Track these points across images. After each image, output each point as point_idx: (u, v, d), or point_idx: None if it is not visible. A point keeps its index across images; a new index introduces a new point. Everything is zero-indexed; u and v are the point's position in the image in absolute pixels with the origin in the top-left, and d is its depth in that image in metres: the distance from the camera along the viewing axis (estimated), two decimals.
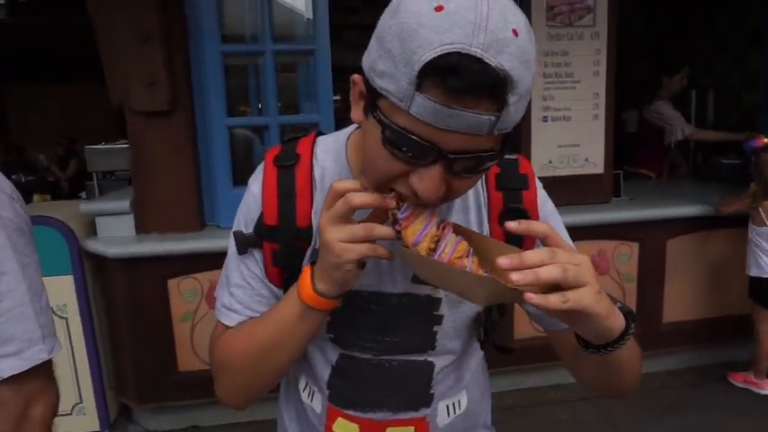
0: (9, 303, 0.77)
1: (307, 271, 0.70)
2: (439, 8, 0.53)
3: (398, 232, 0.63)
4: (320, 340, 0.82)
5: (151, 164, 2.59)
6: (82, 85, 6.08)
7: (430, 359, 0.82)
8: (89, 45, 2.54)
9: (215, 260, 2.54)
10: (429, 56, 0.52)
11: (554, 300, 0.55)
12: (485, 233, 0.78)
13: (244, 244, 0.78)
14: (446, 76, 0.52)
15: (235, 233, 0.79)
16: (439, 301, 0.79)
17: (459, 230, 0.67)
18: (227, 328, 0.81)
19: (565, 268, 0.55)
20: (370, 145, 0.62)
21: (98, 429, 2.70)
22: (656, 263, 3.05)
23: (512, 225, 0.59)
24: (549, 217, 0.82)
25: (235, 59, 2.80)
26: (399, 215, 0.63)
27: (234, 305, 0.80)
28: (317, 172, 0.78)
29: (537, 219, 0.79)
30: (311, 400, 0.87)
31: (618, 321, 0.62)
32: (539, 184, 0.82)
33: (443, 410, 0.86)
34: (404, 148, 0.58)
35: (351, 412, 0.83)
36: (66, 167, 6.75)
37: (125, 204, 2.62)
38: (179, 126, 2.59)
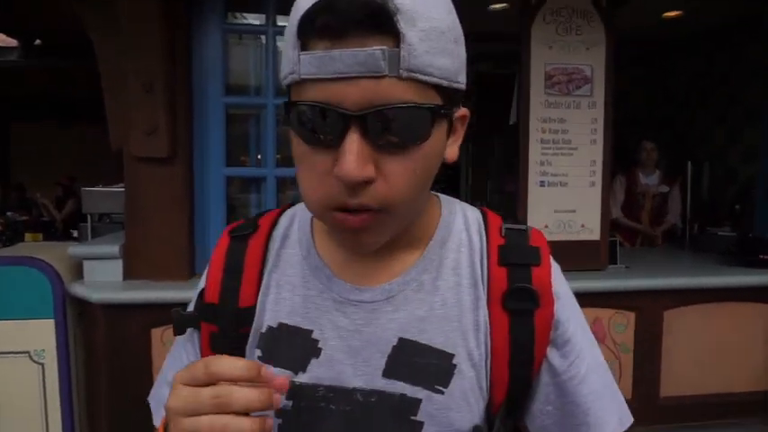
0: None
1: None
2: None
3: None
4: None
5: (145, 209, 2.58)
6: (87, 128, 6.18)
7: None
8: (96, 89, 2.58)
9: None
10: (304, 10, 0.51)
11: None
12: (481, 316, 0.64)
13: (180, 323, 0.68)
14: (319, 19, 0.49)
15: (172, 311, 0.69)
16: (418, 403, 0.62)
17: None
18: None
19: None
20: (295, 156, 0.57)
21: None
22: (653, 334, 2.98)
23: None
24: (563, 304, 0.66)
25: (236, 109, 2.83)
26: None
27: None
28: (273, 244, 0.68)
29: (550, 302, 0.64)
30: None
31: None
32: (553, 263, 0.68)
33: None
34: (308, 123, 0.52)
35: None
36: (63, 208, 6.72)
37: (114, 249, 2.58)
38: (176, 173, 2.59)
